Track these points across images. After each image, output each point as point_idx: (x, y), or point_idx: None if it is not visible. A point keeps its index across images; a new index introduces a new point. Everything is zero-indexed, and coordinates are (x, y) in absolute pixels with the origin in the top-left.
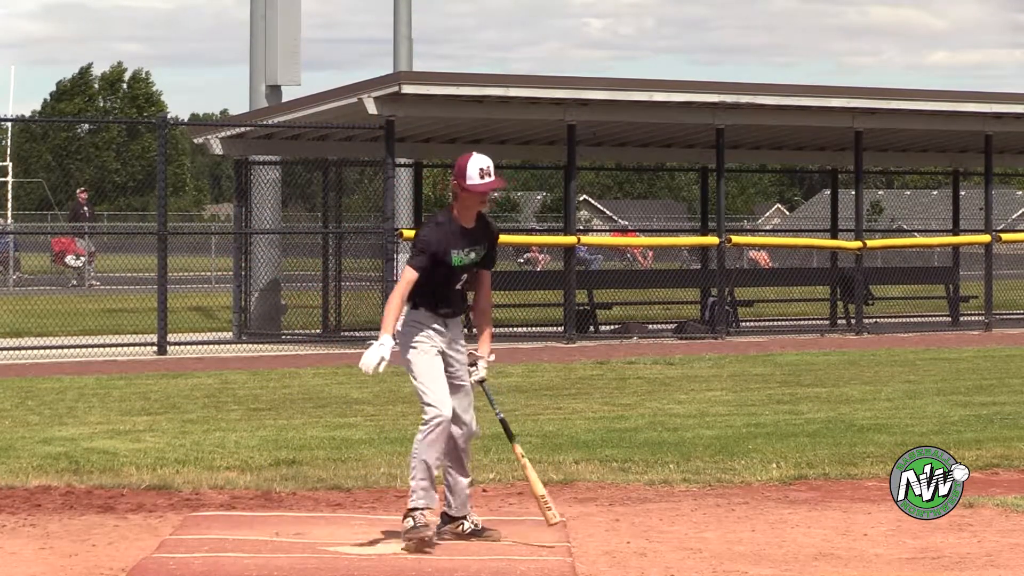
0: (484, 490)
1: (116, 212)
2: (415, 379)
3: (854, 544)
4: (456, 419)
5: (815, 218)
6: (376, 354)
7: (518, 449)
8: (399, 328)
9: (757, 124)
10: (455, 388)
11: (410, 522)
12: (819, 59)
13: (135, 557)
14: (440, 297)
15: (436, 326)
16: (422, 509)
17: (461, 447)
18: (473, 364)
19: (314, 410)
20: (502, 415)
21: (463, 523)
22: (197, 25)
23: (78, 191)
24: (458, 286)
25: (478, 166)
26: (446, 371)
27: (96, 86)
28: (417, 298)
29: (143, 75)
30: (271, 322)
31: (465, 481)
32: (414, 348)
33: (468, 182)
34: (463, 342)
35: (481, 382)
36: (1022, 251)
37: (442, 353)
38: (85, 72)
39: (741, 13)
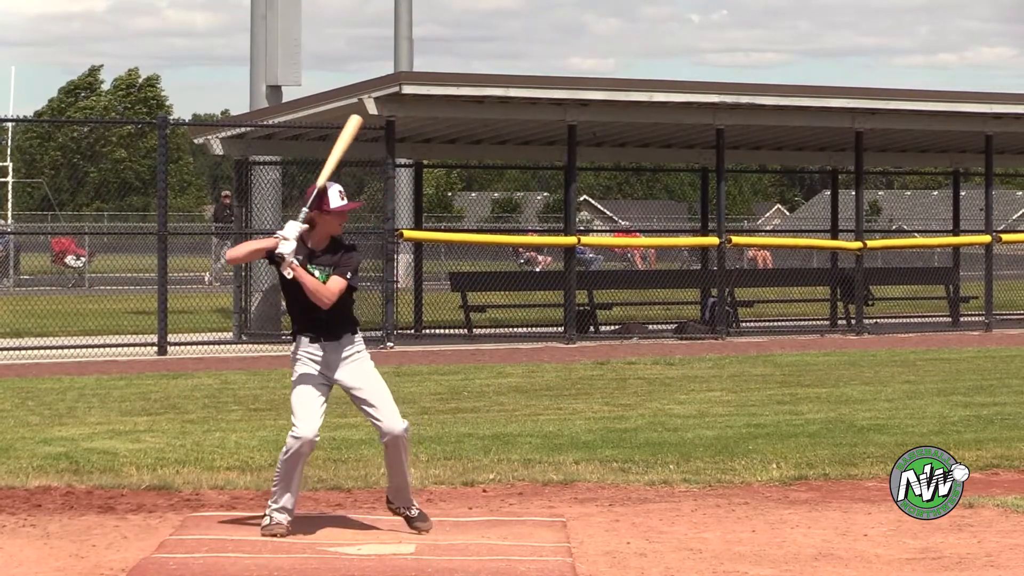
0: (484, 490)
1: (116, 212)
2: (291, 405)
3: (854, 544)
4: (384, 431)
5: (815, 218)
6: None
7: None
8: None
9: (757, 124)
10: (362, 400)
11: (266, 520)
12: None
13: (135, 557)
14: (307, 319)
15: (313, 351)
16: (277, 510)
17: (395, 453)
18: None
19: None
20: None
21: (401, 509)
22: (199, 25)
23: (223, 194)
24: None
25: (336, 189)
26: (348, 391)
27: (104, 87)
28: (294, 325)
29: (154, 79)
30: (271, 322)
31: (400, 480)
32: (294, 377)
33: (332, 204)
34: (356, 355)
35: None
36: (1022, 252)
37: (329, 381)
38: (95, 71)
39: None
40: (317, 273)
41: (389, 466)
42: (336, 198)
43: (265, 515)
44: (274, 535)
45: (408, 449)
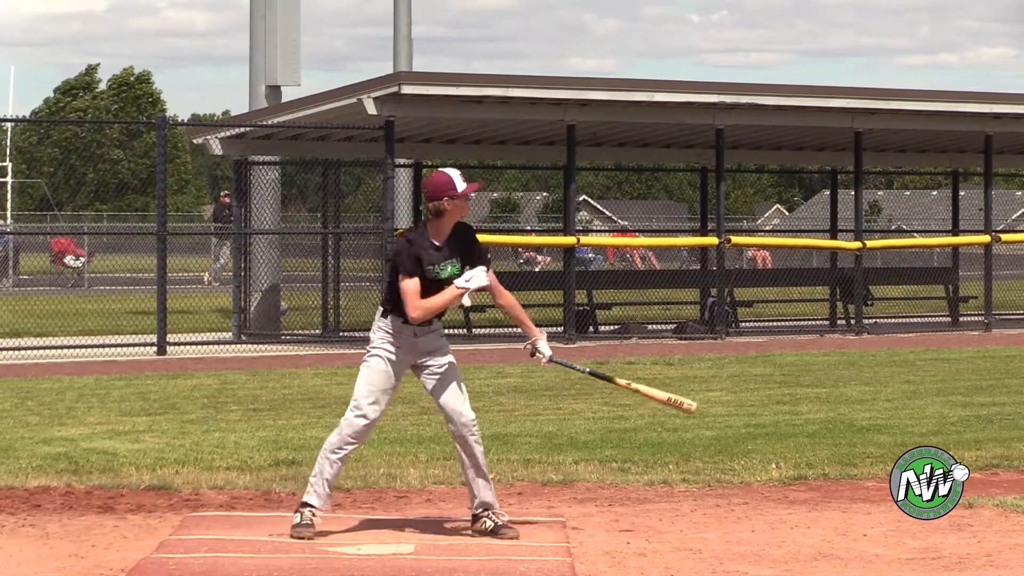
0: None
1: (116, 212)
2: (357, 382)
3: (854, 544)
4: (455, 420)
5: (814, 218)
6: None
7: (621, 381)
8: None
9: (757, 124)
10: (441, 387)
11: (297, 517)
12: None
13: (135, 557)
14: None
15: (403, 335)
16: (312, 507)
17: (468, 444)
18: (532, 353)
19: (314, 410)
20: (587, 370)
21: (485, 520)
22: (198, 25)
23: (222, 193)
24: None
25: (457, 173)
26: (423, 375)
27: (100, 86)
28: (389, 305)
29: (146, 75)
30: (271, 322)
31: (480, 480)
32: (370, 353)
33: (459, 189)
34: (442, 345)
35: (552, 360)
36: (1022, 251)
37: (401, 363)
38: (91, 70)
39: None
40: (450, 268)
41: (464, 464)
42: (461, 180)
43: (297, 511)
44: (302, 537)
45: (481, 442)
